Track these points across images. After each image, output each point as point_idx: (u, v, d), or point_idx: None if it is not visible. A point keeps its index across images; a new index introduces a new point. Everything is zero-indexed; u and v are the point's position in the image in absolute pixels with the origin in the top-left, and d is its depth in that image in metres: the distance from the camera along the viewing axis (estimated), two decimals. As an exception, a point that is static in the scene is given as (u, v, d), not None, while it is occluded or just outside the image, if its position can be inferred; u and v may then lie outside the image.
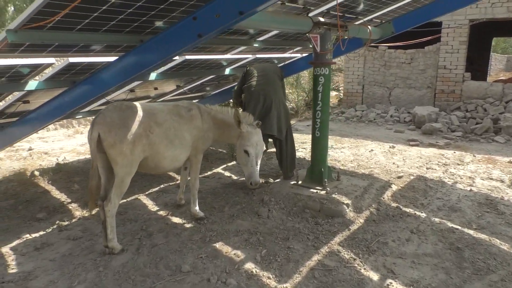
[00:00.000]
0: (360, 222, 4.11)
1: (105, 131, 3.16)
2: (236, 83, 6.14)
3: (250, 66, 5.34)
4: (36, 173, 5.88)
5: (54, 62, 3.59)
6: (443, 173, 5.90)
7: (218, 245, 3.62)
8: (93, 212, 3.53)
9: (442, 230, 3.95)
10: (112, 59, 3.83)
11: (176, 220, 4.18)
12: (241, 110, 5.22)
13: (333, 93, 14.35)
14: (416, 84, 11.23)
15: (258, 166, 4.06)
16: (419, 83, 11.18)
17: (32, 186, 5.42)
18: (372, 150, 7.32)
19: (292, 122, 10.36)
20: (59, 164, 6.41)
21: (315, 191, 4.62)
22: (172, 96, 7.28)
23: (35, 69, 3.71)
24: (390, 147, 7.53)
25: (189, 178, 4.21)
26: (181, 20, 3.22)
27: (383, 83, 11.67)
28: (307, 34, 4.48)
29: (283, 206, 4.42)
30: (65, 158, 6.92)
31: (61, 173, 5.94)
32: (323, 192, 4.56)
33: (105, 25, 3.18)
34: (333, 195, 4.48)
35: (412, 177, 5.64)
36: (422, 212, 4.40)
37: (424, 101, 11.07)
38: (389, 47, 11.38)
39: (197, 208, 4.16)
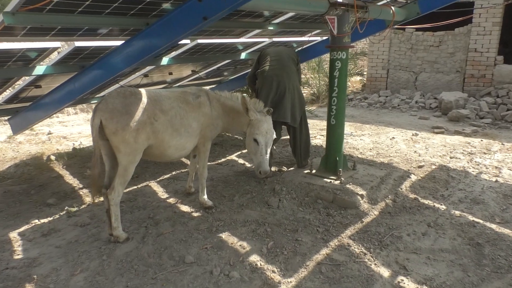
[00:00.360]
0: (374, 214, 3.92)
1: (107, 118, 3.07)
2: (252, 68, 5.95)
3: (265, 50, 5.14)
4: (52, 157, 5.93)
5: (60, 47, 3.51)
6: (468, 162, 5.60)
7: (224, 235, 3.52)
8: (96, 200, 3.49)
9: (462, 224, 3.72)
10: (119, 43, 3.73)
11: (184, 208, 4.11)
12: (255, 95, 5.06)
13: (357, 78, 13.93)
14: (444, 69, 10.71)
15: (268, 155, 3.91)
16: (448, 67, 10.66)
17: (47, 170, 5.46)
18: (393, 137, 7.03)
19: (312, 107, 10.16)
20: (75, 148, 6.45)
21: (329, 180, 4.45)
22: (188, 81, 7.17)
23: (42, 53, 3.65)
24: (412, 135, 7.22)
25: (197, 166, 4.11)
26: (186, 2, 3.07)
27: (409, 67, 11.20)
28: (324, 16, 4.24)
29: (294, 196, 4.27)
30: (81, 143, 6.96)
31: (76, 158, 5.97)
32: (337, 182, 4.39)
33: (108, 7, 3.07)
34: (348, 185, 4.29)
35: (433, 167, 5.36)
36: (441, 204, 4.17)
37: (452, 86, 10.56)
38: (417, 29, 10.87)
39: (205, 197, 4.07)
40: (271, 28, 5.03)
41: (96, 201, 3.37)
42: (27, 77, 4.22)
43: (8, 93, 4.78)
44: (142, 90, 3.41)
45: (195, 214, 3.95)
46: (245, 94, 3.85)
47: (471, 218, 3.84)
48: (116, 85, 5.69)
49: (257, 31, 5.27)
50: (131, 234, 3.55)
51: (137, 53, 3.50)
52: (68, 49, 3.68)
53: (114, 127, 3.08)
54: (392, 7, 5.11)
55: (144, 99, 3.30)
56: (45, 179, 5.12)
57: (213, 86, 8.35)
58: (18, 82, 4.73)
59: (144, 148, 3.31)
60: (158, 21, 3.27)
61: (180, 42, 4.67)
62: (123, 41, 3.62)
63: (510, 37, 12.05)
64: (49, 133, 7.78)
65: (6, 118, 5.77)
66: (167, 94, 3.59)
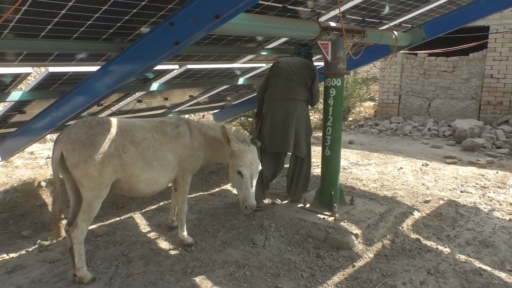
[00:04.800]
0: (369, 257, 3.54)
1: (68, 149, 2.84)
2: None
3: (279, 62, 4.55)
4: (43, 183, 5.76)
5: (31, 72, 3.34)
6: (480, 197, 5.16)
7: (198, 279, 3.20)
8: (59, 239, 3.23)
9: (467, 271, 3.30)
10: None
11: (162, 245, 3.81)
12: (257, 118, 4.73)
13: (369, 104, 13.59)
14: (458, 95, 10.29)
15: (254, 188, 3.60)
16: (462, 93, 10.24)
17: (33, 198, 5.27)
18: (401, 168, 6.63)
19: (321, 134, 9.80)
20: (68, 174, 6.27)
21: (322, 217, 4.10)
22: (188, 106, 6.99)
23: (15, 79, 3.49)
24: (422, 165, 6.80)
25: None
26: (158, 26, 2.87)
27: (422, 93, 10.82)
28: (317, 41, 3.99)
29: (283, 233, 3.93)
30: (76, 168, 6.79)
31: (66, 185, 5.78)
32: (331, 219, 4.03)
33: (75, 32, 2.89)
34: (342, 223, 3.93)
35: (441, 202, 4.95)
36: (445, 247, 3.75)
37: (468, 114, 10.11)
38: (429, 54, 10.54)
39: (185, 233, 3.76)
40: (265, 53, 4.81)
41: (59, 239, 3.13)
42: (5, 103, 4.07)
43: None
44: (113, 120, 3.19)
45: (173, 252, 3.65)
46: (226, 124, 3.58)
47: (477, 264, 3.42)
48: (108, 111, 5.55)
49: (251, 56, 5.05)
50: (99, 274, 3.27)
51: (114, 78, 3.30)
52: (43, 74, 3.51)
53: (75, 159, 2.84)
54: (395, 32, 4.84)
55: (113, 129, 3.07)
56: (29, 207, 4.92)
57: (216, 111, 8.18)
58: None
59: (111, 182, 3.06)
60: (131, 46, 3.08)
61: (168, 68, 4.50)
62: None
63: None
64: (48, 157, 7.67)
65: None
66: (142, 124, 3.36)
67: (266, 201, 4.79)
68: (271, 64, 4.69)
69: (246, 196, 3.51)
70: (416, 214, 4.47)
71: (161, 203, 5.00)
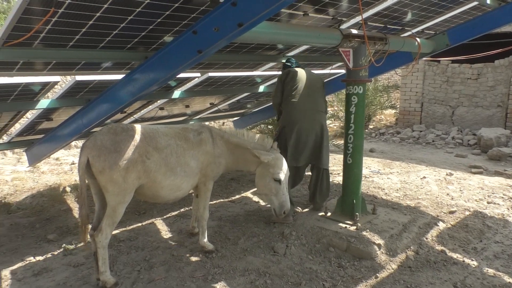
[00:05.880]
0: (392, 268, 3.47)
1: (94, 156, 2.91)
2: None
3: (291, 70, 4.52)
4: (68, 189, 5.89)
5: (59, 81, 3.44)
6: (508, 209, 5.00)
7: (219, 286, 3.20)
8: (85, 243, 3.30)
9: (496, 286, 3.20)
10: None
11: (183, 251, 3.83)
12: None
13: (390, 111, 13.41)
14: (483, 103, 10.06)
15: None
16: (487, 101, 10.00)
17: (59, 202, 5.40)
18: (424, 177, 6.50)
19: (341, 142, 9.71)
20: (92, 180, 6.40)
21: (344, 226, 4.06)
22: (208, 113, 7.06)
23: (44, 87, 3.60)
24: (446, 175, 6.65)
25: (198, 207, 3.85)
26: (182, 35, 2.92)
27: (445, 101, 10.61)
28: (338, 48, 3.98)
29: (304, 241, 3.90)
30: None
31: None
32: (353, 228, 3.98)
33: (101, 41, 2.97)
34: (364, 232, 3.88)
35: (467, 213, 4.82)
36: (473, 260, 3.65)
37: (493, 122, 9.85)
38: (453, 61, 10.35)
39: (206, 240, 3.78)
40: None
41: (85, 244, 3.19)
42: (34, 111, 4.21)
43: (19, 125, 4.80)
44: (137, 126, 3.24)
45: (194, 259, 3.66)
46: (250, 141, 3.70)
47: (507, 279, 3.31)
48: (131, 119, 5.65)
49: (272, 64, 5.07)
50: (121, 279, 3.31)
51: (138, 86, 3.37)
52: (70, 83, 3.62)
53: (101, 165, 2.90)
54: (418, 39, 4.78)
55: (137, 136, 3.12)
56: (54, 212, 5.04)
57: (236, 118, 8.22)
58: (27, 115, 4.75)
59: (134, 188, 3.11)
60: (155, 54, 3.14)
61: (190, 76, 4.57)
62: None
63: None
64: (72, 163, 7.85)
65: (23, 149, 5.83)
66: (165, 130, 3.41)
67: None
68: (282, 70, 4.63)
69: (284, 202, 3.67)
70: (441, 225, 4.37)
71: (182, 210, 5.03)
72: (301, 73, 4.52)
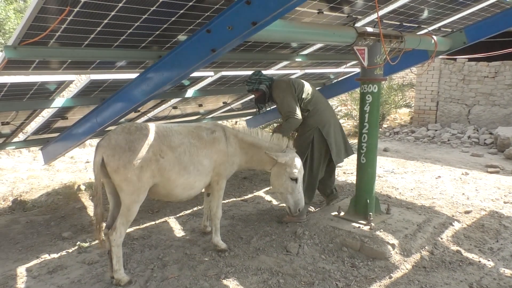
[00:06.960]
0: (406, 269, 3.42)
1: (109, 155, 2.93)
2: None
3: (291, 79, 4.48)
4: (82, 187, 5.96)
5: (74, 79, 3.47)
6: (526, 210, 4.90)
7: (232, 285, 3.19)
8: (100, 241, 3.31)
9: (514, 288, 3.13)
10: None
11: (196, 250, 3.84)
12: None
13: (405, 110, 13.25)
14: (501, 101, 9.86)
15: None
16: (505, 100, 9.80)
17: (73, 200, 5.46)
18: (439, 176, 6.40)
19: (354, 141, 9.62)
20: (106, 178, 6.46)
21: (357, 226, 4.02)
22: (221, 112, 7.06)
23: (59, 86, 3.64)
24: (462, 174, 6.54)
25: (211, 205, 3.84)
26: (195, 33, 2.92)
27: (461, 99, 10.43)
28: (352, 47, 3.94)
29: (317, 241, 3.87)
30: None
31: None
32: (366, 228, 3.94)
33: (116, 40, 2.99)
34: (378, 232, 3.84)
35: (483, 213, 4.73)
36: (489, 260, 3.58)
37: (511, 121, 9.66)
38: (469, 59, 10.17)
39: (218, 238, 3.78)
40: (299, 59, 4.79)
41: (101, 241, 3.21)
42: (49, 109, 4.25)
43: (35, 124, 4.87)
44: (151, 125, 3.26)
45: (206, 258, 3.66)
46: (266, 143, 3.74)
47: (525, 280, 3.24)
48: (145, 117, 5.68)
49: (286, 62, 5.05)
50: (135, 277, 3.33)
51: (152, 85, 3.39)
52: (85, 82, 3.65)
53: (115, 164, 2.92)
54: (434, 37, 4.70)
55: (151, 135, 3.13)
56: (69, 209, 5.10)
57: (249, 117, 8.21)
58: (42, 114, 4.81)
59: (149, 186, 3.12)
60: (169, 53, 3.15)
61: (203, 74, 4.57)
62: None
63: None
64: (87, 162, 7.93)
65: (38, 147, 5.91)
66: (178, 129, 3.41)
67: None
68: (283, 84, 4.33)
69: (299, 200, 3.71)
70: (456, 225, 4.30)
71: (195, 208, 5.05)
72: (291, 79, 4.57)
